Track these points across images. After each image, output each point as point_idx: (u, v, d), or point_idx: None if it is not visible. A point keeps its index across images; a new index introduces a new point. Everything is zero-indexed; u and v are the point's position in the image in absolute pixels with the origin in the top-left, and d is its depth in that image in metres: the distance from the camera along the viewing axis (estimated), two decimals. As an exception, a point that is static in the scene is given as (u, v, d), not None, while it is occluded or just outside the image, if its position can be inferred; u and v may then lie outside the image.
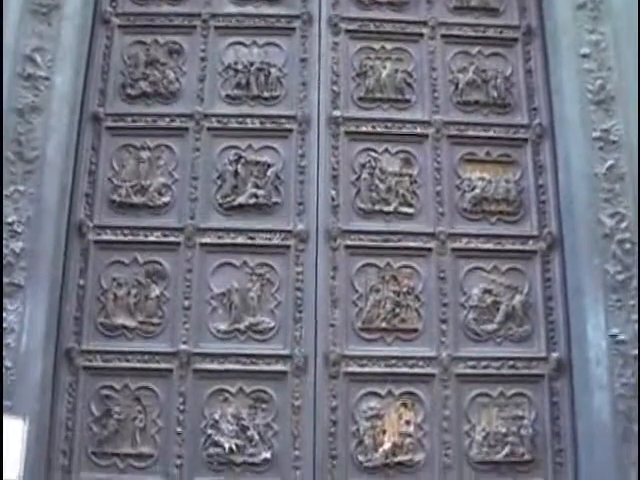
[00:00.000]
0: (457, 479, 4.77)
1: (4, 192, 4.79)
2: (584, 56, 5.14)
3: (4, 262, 4.72)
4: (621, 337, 4.73)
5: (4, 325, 4.65)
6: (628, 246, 4.85)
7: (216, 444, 4.76)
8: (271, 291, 4.98)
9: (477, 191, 5.17)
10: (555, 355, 4.91)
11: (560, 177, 5.13)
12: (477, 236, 5.11)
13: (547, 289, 5.04)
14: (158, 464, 4.76)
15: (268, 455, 4.75)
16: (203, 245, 5.03)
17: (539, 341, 4.98)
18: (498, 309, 5.00)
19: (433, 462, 4.78)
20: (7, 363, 4.61)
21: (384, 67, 5.42)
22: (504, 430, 4.83)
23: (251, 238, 5.05)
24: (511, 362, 4.93)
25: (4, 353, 4.63)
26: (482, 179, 5.21)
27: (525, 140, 5.30)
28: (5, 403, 4.54)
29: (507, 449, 4.81)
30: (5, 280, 4.71)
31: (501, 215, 5.16)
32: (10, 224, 4.78)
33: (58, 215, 4.92)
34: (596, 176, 4.96)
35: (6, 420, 4.34)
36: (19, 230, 4.78)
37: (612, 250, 4.85)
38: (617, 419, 4.65)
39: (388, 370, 4.88)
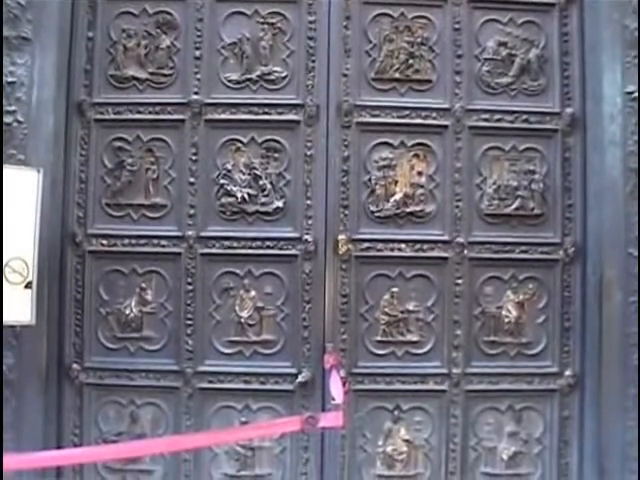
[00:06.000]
0: (467, 231, 4.83)
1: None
2: None
3: (10, 15, 4.61)
4: (636, 94, 4.65)
5: (14, 79, 4.62)
6: (649, 0, 4.68)
7: (229, 194, 4.80)
8: (283, 40, 4.85)
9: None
10: (569, 110, 4.86)
11: None
12: (494, -11, 4.93)
13: (564, 43, 4.90)
14: (171, 214, 4.83)
15: (280, 204, 4.80)
16: (213, -6, 4.88)
17: (553, 96, 4.90)
18: (513, 62, 4.89)
19: (444, 213, 4.84)
20: (19, 117, 4.60)
21: None
22: (515, 184, 4.86)
23: (263, -11, 4.88)
24: (525, 116, 4.87)
25: (15, 107, 4.61)
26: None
27: None
28: (19, 156, 4.59)
29: (517, 202, 4.85)
30: (12, 33, 4.62)
31: (518, -34, 4.94)
32: (11, -26, 4.64)
33: (63, -35, 4.77)
34: None
35: (21, 172, 4.40)
36: (23, -20, 4.65)
37: (633, 4, 4.68)
38: (627, 176, 4.67)
39: (401, 121, 4.84)
